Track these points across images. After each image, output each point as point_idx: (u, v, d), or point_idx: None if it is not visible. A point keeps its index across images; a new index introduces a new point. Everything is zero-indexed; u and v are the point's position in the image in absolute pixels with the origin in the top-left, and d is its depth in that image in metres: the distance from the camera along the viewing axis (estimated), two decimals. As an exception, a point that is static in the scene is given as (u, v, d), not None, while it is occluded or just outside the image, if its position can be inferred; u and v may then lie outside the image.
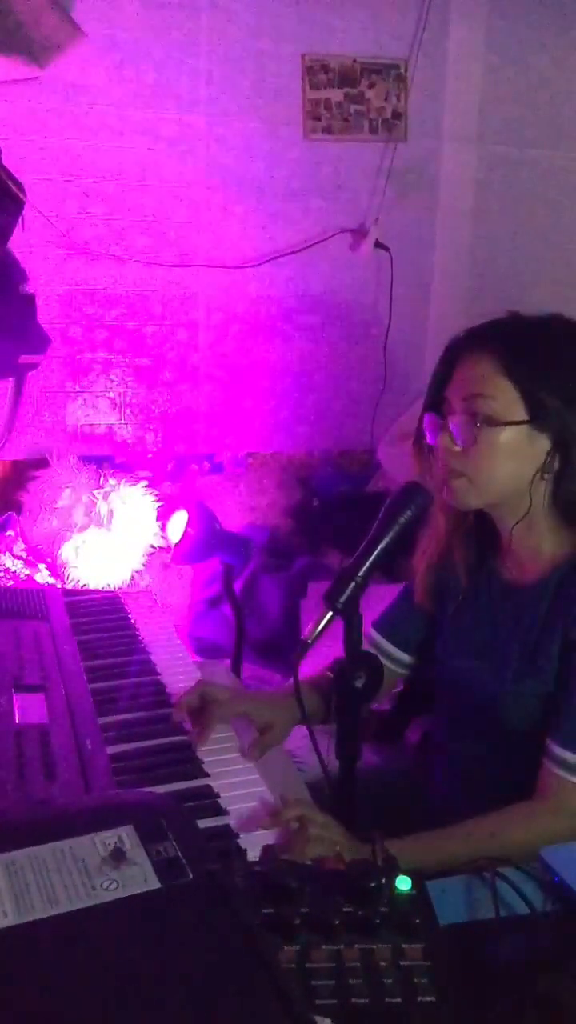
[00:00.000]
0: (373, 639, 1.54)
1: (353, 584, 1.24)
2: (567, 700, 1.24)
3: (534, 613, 1.31)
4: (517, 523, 1.31)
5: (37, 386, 2.65)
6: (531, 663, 1.29)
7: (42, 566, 2.43)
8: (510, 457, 1.27)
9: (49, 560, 2.45)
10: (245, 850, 1.04)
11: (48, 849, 0.77)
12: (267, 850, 0.94)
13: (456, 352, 1.33)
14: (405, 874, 0.87)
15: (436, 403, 1.34)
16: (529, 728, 1.28)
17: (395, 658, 1.54)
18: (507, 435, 1.25)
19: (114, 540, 2.46)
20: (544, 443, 1.26)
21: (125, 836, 0.79)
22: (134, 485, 2.55)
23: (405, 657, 1.53)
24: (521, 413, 1.25)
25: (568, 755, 1.20)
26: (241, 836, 1.07)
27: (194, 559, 2.39)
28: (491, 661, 1.35)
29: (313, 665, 1.41)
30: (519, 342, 1.28)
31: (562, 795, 1.20)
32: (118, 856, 0.76)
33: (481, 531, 1.42)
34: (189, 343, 2.80)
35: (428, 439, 1.34)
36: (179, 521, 2.35)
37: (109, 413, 2.77)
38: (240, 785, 1.20)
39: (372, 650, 1.53)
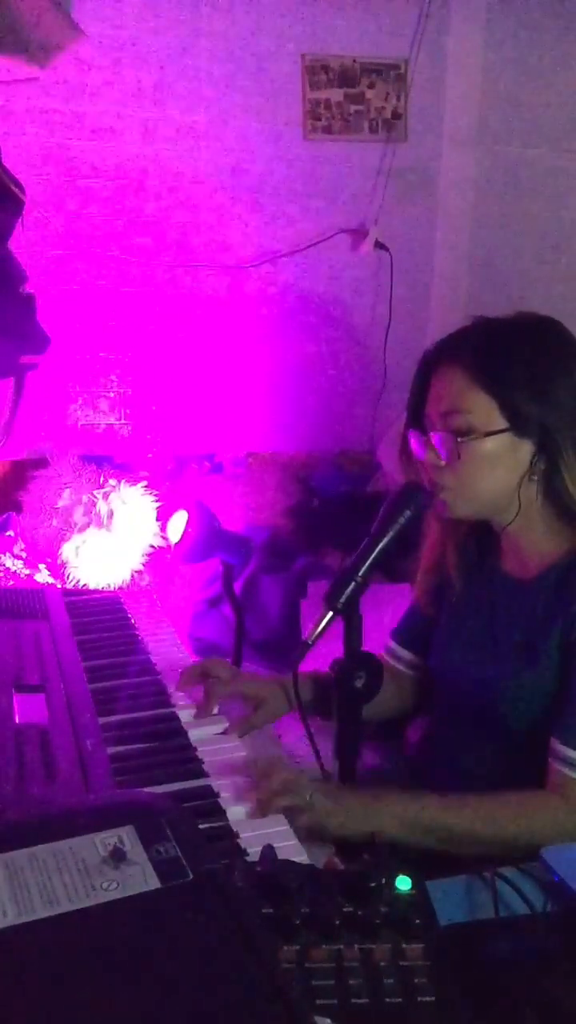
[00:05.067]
0: (390, 648, 1.56)
1: (353, 584, 1.25)
2: (568, 698, 1.24)
3: (533, 607, 1.31)
4: (508, 524, 1.33)
5: (37, 386, 2.65)
6: (529, 656, 1.29)
7: (42, 566, 2.43)
8: (495, 466, 1.28)
9: (49, 560, 2.45)
10: (245, 850, 1.04)
11: (48, 849, 0.77)
12: (267, 850, 0.94)
13: (429, 366, 1.34)
14: (405, 874, 0.87)
15: (417, 418, 1.36)
16: (528, 725, 1.29)
17: (413, 664, 1.55)
18: (489, 446, 1.26)
19: (114, 540, 2.46)
20: (528, 447, 1.27)
21: (125, 836, 0.79)
22: (134, 485, 2.54)
23: (422, 661, 1.54)
24: (500, 422, 1.26)
25: (572, 753, 1.20)
26: (241, 836, 1.07)
27: (194, 559, 2.38)
28: (490, 653, 1.35)
29: (313, 665, 1.42)
30: (489, 351, 1.28)
31: (569, 792, 1.20)
32: (118, 856, 0.76)
33: (479, 532, 1.43)
34: (189, 343, 2.80)
35: (416, 455, 1.35)
36: (179, 521, 2.35)
37: (109, 413, 2.77)
38: (241, 785, 1.20)
39: (390, 659, 1.55)
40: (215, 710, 1.37)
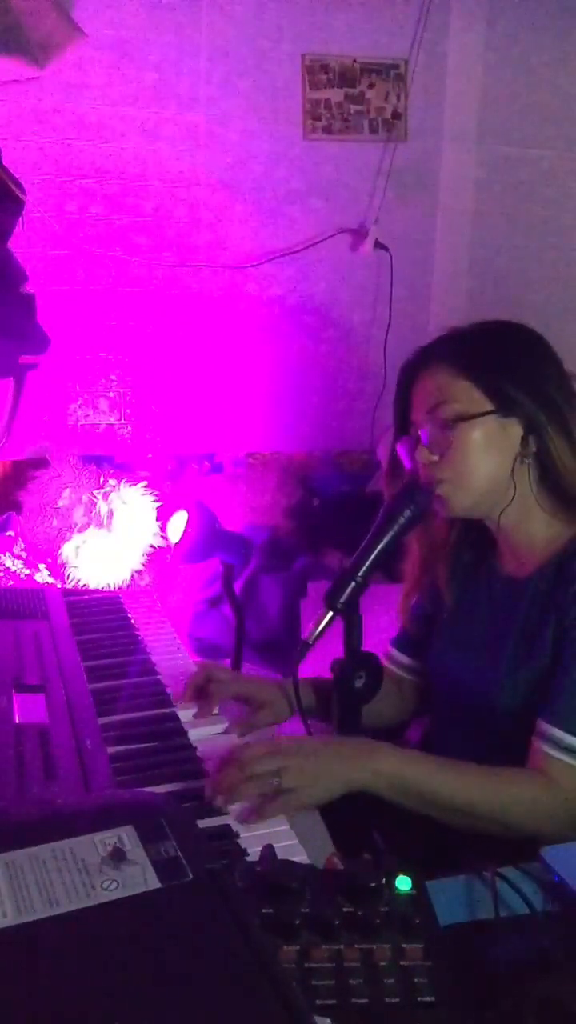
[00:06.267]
0: (391, 654, 1.57)
1: (353, 584, 1.25)
2: (558, 678, 1.24)
3: (532, 603, 1.31)
4: (504, 512, 1.33)
5: (37, 386, 2.65)
6: (527, 652, 1.29)
7: (42, 566, 2.43)
8: (487, 450, 1.29)
9: (49, 560, 2.45)
10: (245, 850, 1.04)
11: (48, 849, 0.77)
12: (267, 850, 0.94)
13: (410, 373, 1.38)
14: (405, 874, 0.87)
15: (403, 428, 1.39)
16: (528, 723, 1.28)
17: (414, 668, 1.55)
18: (479, 429, 1.28)
19: (114, 540, 2.46)
20: (516, 428, 1.29)
21: (125, 836, 0.79)
22: (134, 485, 2.54)
23: (422, 666, 1.55)
24: (486, 405, 1.28)
25: (556, 732, 1.21)
26: (241, 836, 1.07)
27: (194, 559, 2.38)
28: (488, 653, 1.35)
29: (313, 665, 1.42)
30: (466, 345, 1.34)
31: (550, 772, 1.20)
32: (118, 856, 0.76)
33: (476, 536, 1.44)
34: (189, 343, 2.80)
35: (406, 464, 1.36)
36: (179, 521, 2.35)
37: (109, 413, 2.77)
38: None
39: (391, 665, 1.55)
40: (215, 711, 1.37)
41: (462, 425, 1.28)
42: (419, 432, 1.33)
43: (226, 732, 1.33)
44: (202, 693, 1.39)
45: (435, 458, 1.31)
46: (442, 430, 1.29)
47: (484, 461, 1.30)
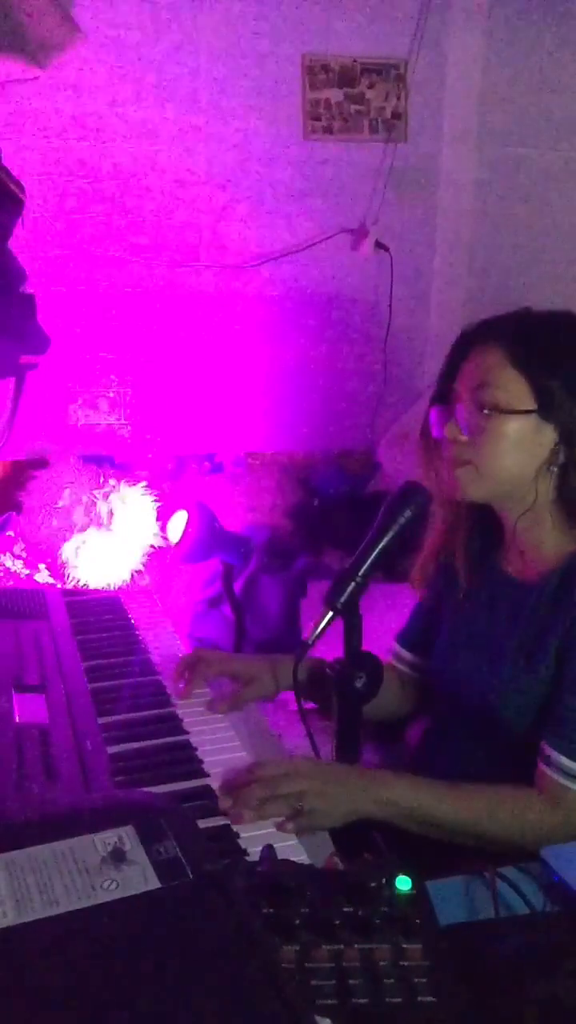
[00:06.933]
0: (395, 651, 1.57)
1: (353, 584, 1.25)
2: (562, 701, 1.24)
3: (535, 610, 1.30)
4: (522, 515, 1.31)
5: (37, 386, 2.65)
6: (528, 660, 1.29)
7: (42, 566, 2.43)
8: (517, 447, 1.27)
9: (49, 560, 2.45)
10: (245, 850, 1.04)
11: (48, 849, 0.77)
12: (267, 850, 0.94)
13: (467, 342, 1.33)
14: (405, 874, 0.87)
15: (444, 394, 1.35)
16: (526, 728, 1.28)
17: (416, 666, 1.55)
18: (514, 425, 1.26)
19: (114, 540, 2.46)
20: (550, 435, 1.27)
21: (125, 836, 0.79)
22: (134, 485, 2.54)
23: (425, 663, 1.55)
24: (529, 403, 1.26)
25: (561, 758, 1.20)
26: (241, 836, 1.07)
27: (194, 559, 2.39)
28: (489, 657, 1.35)
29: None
30: (529, 334, 1.29)
31: (557, 798, 1.20)
32: (118, 856, 0.76)
33: (484, 527, 1.42)
34: (189, 343, 2.80)
35: (434, 432, 1.34)
36: (179, 521, 2.35)
37: (109, 413, 2.77)
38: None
39: (395, 661, 1.55)
40: (203, 687, 1.42)
41: (499, 416, 1.26)
42: (456, 405, 1.31)
43: (228, 733, 1.33)
44: (192, 672, 1.44)
45: (464, 438, 1.29)
46: (479, 413, 1.27)
47: (510, 457, 1.28)
